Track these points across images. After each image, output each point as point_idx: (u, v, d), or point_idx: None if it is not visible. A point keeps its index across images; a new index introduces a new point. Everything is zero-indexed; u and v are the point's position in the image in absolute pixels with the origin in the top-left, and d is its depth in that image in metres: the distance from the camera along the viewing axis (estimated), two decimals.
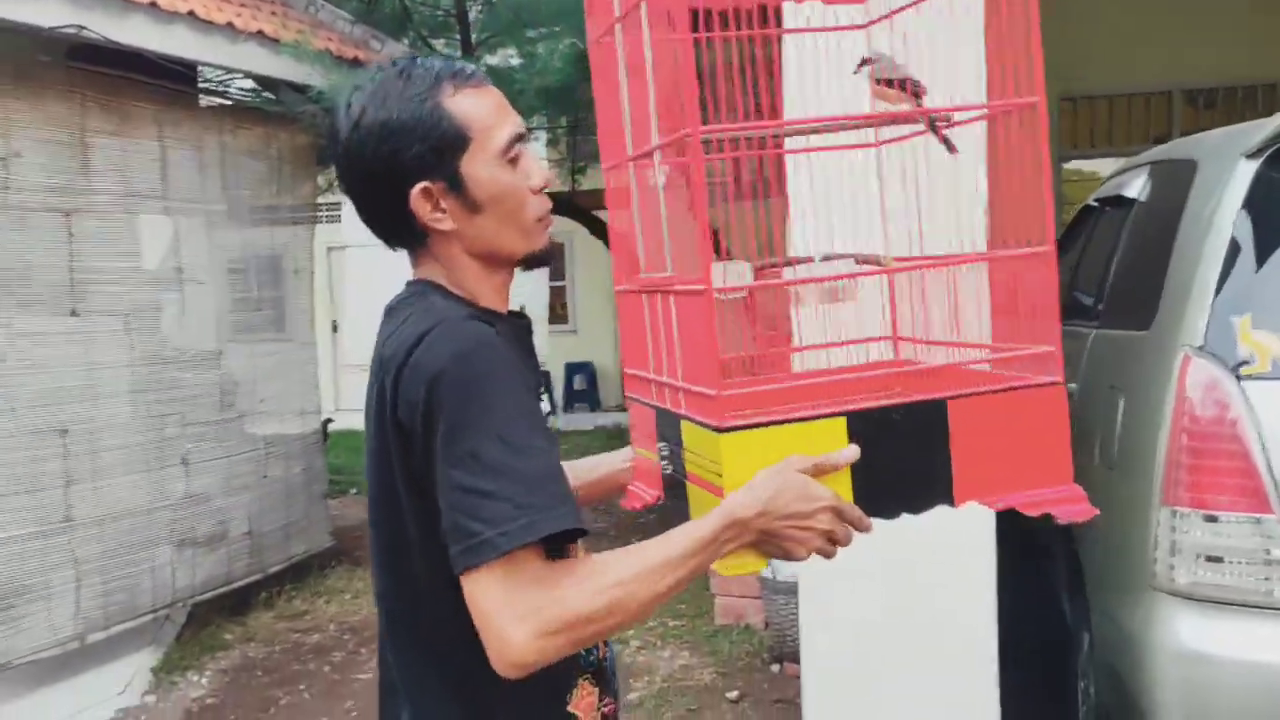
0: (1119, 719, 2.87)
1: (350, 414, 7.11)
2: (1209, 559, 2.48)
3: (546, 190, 1.42)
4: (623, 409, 13.12)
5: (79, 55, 4.87)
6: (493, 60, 6.85)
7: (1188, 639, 2.49)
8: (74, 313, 4.82)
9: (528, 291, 12.09)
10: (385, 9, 7.02)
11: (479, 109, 1.36)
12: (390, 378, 1.27)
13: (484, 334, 1.28)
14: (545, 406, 1.38)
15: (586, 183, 7.62)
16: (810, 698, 3.15)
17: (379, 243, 1.45)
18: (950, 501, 1.34)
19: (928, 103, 1.49)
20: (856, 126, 1.53)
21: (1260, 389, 2.44)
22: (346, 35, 6.33)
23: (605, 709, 1.44)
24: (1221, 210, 2.65)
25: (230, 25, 5.22)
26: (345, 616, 5.84)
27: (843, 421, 1.30)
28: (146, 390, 5.19)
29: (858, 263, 1.57)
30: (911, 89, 1.50)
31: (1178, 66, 7.76)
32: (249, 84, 6.39)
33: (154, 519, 5.22)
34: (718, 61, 1.52)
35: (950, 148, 1.50)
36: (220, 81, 6.33)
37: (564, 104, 6.25)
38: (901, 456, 1.32)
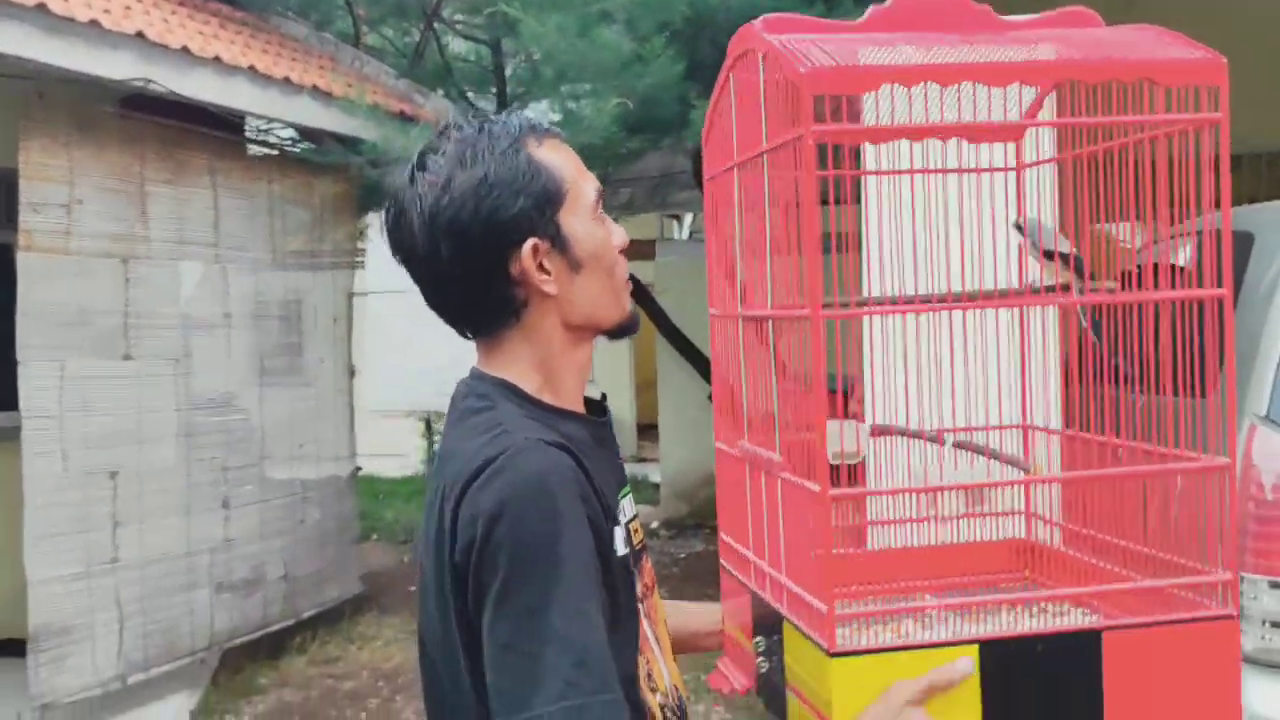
0: None
1: (365, 459, 7.17)
2: (1274, 624, 2.54)
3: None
4: (638, 460, 13.13)
5: (137, 105, 4.99)
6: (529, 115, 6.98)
7: (1256, 704, 2.54)
8: (127, 356, 4.90)
9: None
10: (427, 64, 7.16)
11: (566, 162, 1.27)
12: (450, 508, 1.17)
13: (552, 467, 1.15)
14: (629, 507, 1.32)
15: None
16: None
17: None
18: None
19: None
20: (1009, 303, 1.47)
21: None
22: (391, 89, 6.47)
23: None
24: None
25: (286, 80, 5.35)
26: (379, 663, 5.86)
27: (974, 650, 1.13)
28: (190, 434, 5.26)
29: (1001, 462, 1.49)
30: (1076, 265, 1.45)
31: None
32: (288, 132, 6.51)
33: (194, 562, 5.28)
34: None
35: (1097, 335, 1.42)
36: (261, 130, 6.46)
37: (602, 160, 6.35)
38: (1044, 696, 1.15)
